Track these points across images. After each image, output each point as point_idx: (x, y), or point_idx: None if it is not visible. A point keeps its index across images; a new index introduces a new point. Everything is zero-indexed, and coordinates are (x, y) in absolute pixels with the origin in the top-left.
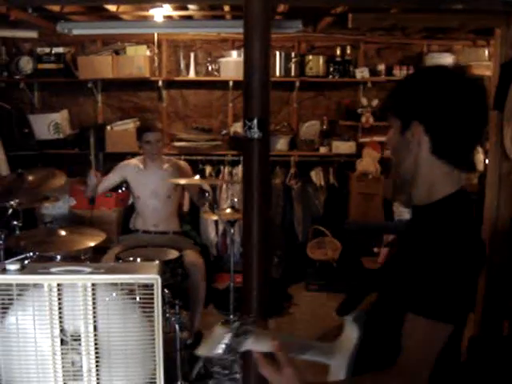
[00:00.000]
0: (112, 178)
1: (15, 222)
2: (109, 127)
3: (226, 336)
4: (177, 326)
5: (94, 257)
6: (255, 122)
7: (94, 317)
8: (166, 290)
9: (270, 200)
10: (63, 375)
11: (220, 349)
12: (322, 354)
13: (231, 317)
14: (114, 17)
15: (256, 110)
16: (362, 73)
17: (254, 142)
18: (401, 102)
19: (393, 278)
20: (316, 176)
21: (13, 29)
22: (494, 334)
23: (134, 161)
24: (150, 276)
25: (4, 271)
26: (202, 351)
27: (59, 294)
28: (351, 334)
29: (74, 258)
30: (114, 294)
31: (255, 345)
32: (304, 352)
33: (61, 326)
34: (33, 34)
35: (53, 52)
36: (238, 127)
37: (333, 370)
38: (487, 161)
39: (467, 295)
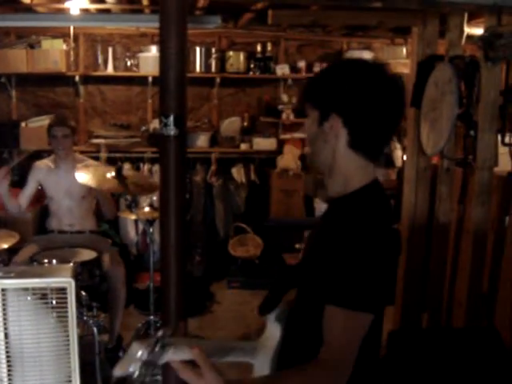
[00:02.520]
0: (30, 185)
1: None
2: (23, 124)
3: (142, 352)
4: (95, 329)
5: (8, 258)
6: (171, 118)
7: (5, 323)
8: (83, 293)
9: (190, 198)
10: None
11: (137, 366)
12: (244, 355)
13: (151, 317)
14: (29, 9)
15: (172, 106)
16: (282, 69)
17: (170, 138)
18: (320, 92)
19: (310, 272)
20: (237, 173)
21: None
22: (413, 328)
23: (45, 161)
24: (63, 279)
25: None
26: (118, 371)
27: None
28: (273, 332)
29: None
30: (27, 299)
31: (175, 355)
32: (226, 354)
33: None
34: None
35: None
36: (157, 124)
37: (256, 369)
38: (405, 157)
39: (384, 284)
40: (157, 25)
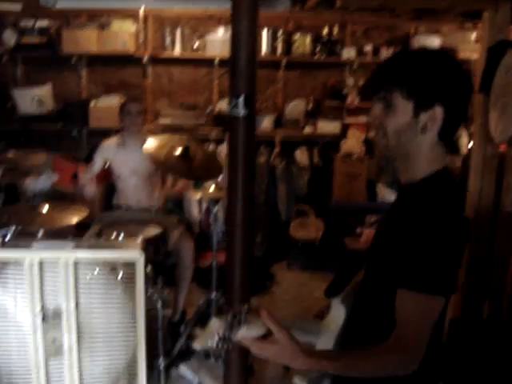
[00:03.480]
0: (97, 163)
1: None
2: (92, 103)
3: (220, 328)
4: (159, 304)
5: (77, 233)
6: (241, 99)
7: (76, 294)
8: (149, 267)
9: (255, 179)
10: (44, 352)
11: (215, 341)
12: (308, 334)
13: (213, 295)
14: None
15: (242, 87)
16: (348, 53)
17: (239, 119)
18: (417, 81)
19: (381, 257)
20: (300, 156)
21: None
22: (474, 317)
23: (113, 140)
24: (133, 253)
25: None
26: (197, 344)
27: (41, 271)
28: (338, 314)
29: (57, 235)
30: (97, 271)
31: (248, 332)
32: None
33: (42, 302)
34: (16, 7)
35: (37, 26)
36: (223, 105)
37: (318, 348)
38: (471, 144)
39: (455, 269)
40: (225, 6)
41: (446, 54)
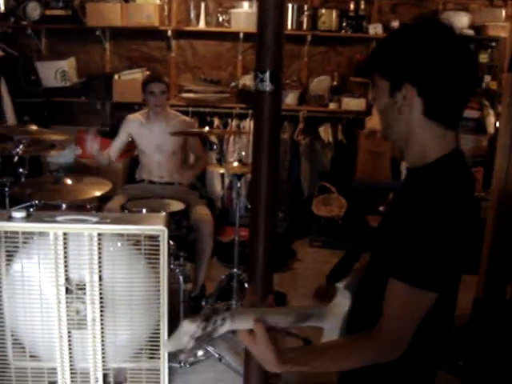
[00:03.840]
0: (121, 138)
1: (21, 170)
2: (116, 76)
3: (195, 330)
4: (181, 278)
5: (99, 206)
6: (267, 74)
7: (100, 266)
8: (171, 242)
9: (279, 155)
10: (67, 323)
11: (189, 341)
12: (317, 320)
13: (234, 270)
14: None
15: (269, 62)
16: (375, 29)
17: (265, 94)
18: (389, 61)
19: (383, 241)
20: (324, 132)
21: None
22: (496, 298)
23: (138, 115)
24: (157, 227)
25: (10, 219)
26: (168, 346)
27: (65, 243)
28: (343, 300)
29: (80, 207)
30: (120, 244)
31: (234, 325)
32: (300, 320)
33: (66, 274)
34: None
35: None
36: (247, 80)
37: (326, 335)
38: (498, 123)
39: (455, 262)
40: None
41: (433, 27)
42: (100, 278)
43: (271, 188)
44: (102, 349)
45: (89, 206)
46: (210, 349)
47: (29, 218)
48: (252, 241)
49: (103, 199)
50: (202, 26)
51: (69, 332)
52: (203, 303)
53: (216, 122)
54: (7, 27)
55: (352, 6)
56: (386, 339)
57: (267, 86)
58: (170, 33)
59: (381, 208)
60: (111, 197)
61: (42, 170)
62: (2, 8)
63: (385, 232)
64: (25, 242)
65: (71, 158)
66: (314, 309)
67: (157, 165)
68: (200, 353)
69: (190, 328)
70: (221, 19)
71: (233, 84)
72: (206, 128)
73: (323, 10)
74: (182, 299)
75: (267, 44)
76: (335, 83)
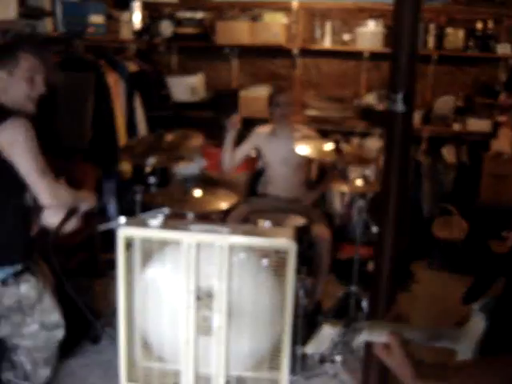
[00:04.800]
0: (246, 148)
1: (152, 180)
2: (242, 92)
3: (334, 333)
4: (301, 293)
5: (224, 216)
6: (400, 95)
7: (228, 276)
8: None
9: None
10: (195, 329)
11: (328, 346)
12: (450, 341)
13: (352, 288)
14: None
15: (402, 83)
16: (503, 49)
17: (397, 115)
18: None
19: None
20: (447, 153)
21: None
22: None
23: (266, 128)
24: (285, 242)
25: (146, 226)
26: (309, 349)
27: (197, 252)
28: (477, 322)
29: (205, 217)
30: (248, 256)
31: (371, 337)
32: (434, 340)
33: (196, 282)
34: None
35: (192, 17)
36: (370, 98)
37: (459, 355)
38: None
39: None
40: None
41: None
42: (228, 288)
43: (400, 209)
44: (226, 356)
45: (213, 217)
46: (326, 364)
47: (164, 226)
48: (377, 260)
49: (226, 211)
50: (327, 44)
51: (195, 338)
52: (319, 319)
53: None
54: (141, 44)
55: (480, 25)
56: None
57: (399, 107)
58: (295, 51)
59: (504, 233)
60: (234, 207)
61: (169, 180)
62: (139, 26)
63: None
64: (159, 250)
65: (196, 169)
66: (447, 329)
67: (281, 178)
68: (338, 358)
69: (330, 333)
70: (345, 38)
71: (356, 102)
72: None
73: (449, 29)
74: (302, 313)
75: (402, 66)
76: (460, 103)
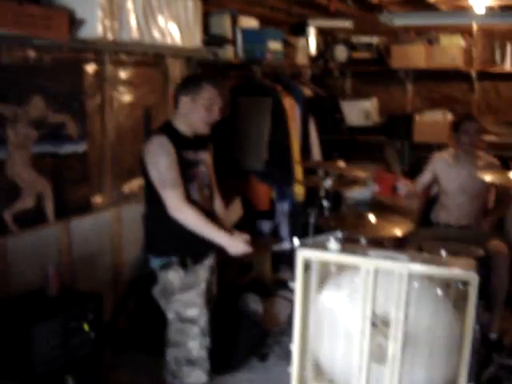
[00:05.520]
0: (427, 174)
1: (326, 203)
2: (417, 117)
3: None
4: (477, 327)
5: (398, 244)
6: None
7: (406, 305)
8: None
9: None
10: (368, 357)
11: None
12: None
13: None
14: (430, 6)
15: None
16: None
17: None
18: None
19: None
20: None
21: (330, 19)
22: None
23: (445, 154)
24: (468, 273)
25: (325, 249)
26: None
27: (374, 278)
28: None
29: (377, 243)
30: (427, 285)
31: None
32: None
33: (372, 309)
34: (348, 24)
35: (366, 41)
36: None
37: None
38: None
39: None
40: None
41: None
42: (405, 317)
43: None
44: None
45: (386, 244)
46: None
47: (342, 250)
48: None
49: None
50: (507, 67)
51: (368, 365)
52: (494, 357)
53: None
54: (317, 69)
55: None
56: None
57: None
58: (473, 74)
59: None
60: (405, 237)
61: (341, 203)
62: (314, 51)
63: None
64: (336, 273)
65: (368, 194)
66: None
67: (458, 206)
68: None
69: None
70: None
71: None
72: None
73: None
74: (478, 348)
75: None
76: None
